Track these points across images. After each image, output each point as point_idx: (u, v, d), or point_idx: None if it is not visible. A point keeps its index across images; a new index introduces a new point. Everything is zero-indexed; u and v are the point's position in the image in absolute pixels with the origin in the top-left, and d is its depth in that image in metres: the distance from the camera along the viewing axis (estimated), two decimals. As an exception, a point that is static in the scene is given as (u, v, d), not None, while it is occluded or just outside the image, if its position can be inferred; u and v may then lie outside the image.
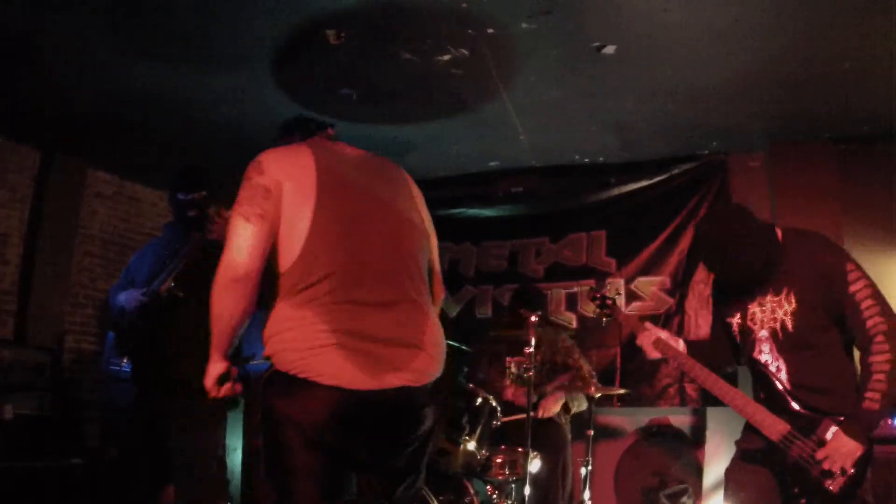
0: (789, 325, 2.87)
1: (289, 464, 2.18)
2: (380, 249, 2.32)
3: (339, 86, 4.94)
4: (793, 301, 2.86)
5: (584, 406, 4.97)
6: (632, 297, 5.95)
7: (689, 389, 5.58)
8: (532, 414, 4.30)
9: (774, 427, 2.82)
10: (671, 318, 5.75)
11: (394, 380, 2.22)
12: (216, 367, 2.38)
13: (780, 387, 2.87)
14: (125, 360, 3.77)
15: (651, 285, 5.88)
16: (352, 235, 2.28)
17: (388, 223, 2.37)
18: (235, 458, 5.65)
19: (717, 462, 5.37)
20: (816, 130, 5.36)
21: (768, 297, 2.94)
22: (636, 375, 5.74)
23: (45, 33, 4.40)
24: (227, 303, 2.24)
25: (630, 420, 5.88)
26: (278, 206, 2.25)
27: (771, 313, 2.92)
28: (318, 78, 4.88)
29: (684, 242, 5.84)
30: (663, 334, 3.21)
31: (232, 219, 2.25)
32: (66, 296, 6.44)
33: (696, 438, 5.61)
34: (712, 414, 5.52)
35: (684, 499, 5.34)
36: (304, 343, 2.17)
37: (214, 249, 3.57)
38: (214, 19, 4.19)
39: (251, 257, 2.21)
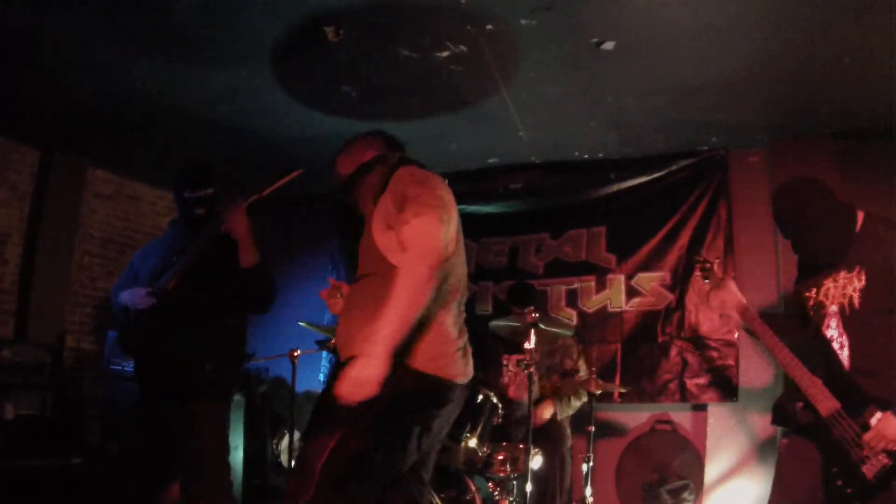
0: (856, 301, 2.93)
1: (407, 456, 2.46)
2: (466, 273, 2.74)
3: (338, 83, 4.94)
4: (863, 278, 2.93)
5: (570, 412, 4.97)
6: (632, 292, 5.95)
7: (690, 385, 5.58)
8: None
9: (826, 403, 2.87)
10: (671, 314, 5.75)
11: (470, 374, 2.64)
12: (384, 368, 2.32)
13: (838, 366, 2.91)
14: (128, 360, 3.75)
15: (651, 281, 5.88)
16: (464, 261, 2.71)
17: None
18: (237, 456, 5.65)
19: (717, 458, 5.38)
20: (817, 127, 5.35)
21: (842, 273, 3.00)
22: (637, 371, 5.75)
23: (45, 33, 4.40)
24: (430, 287, 2.39)
25: (631, 416, 5.87)
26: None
27: (842, 289, 2.98)
28: (317, 76, 4.87)
29: (684, 238, 5.84)
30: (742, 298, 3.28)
31: (425, 216, 2.43)
32: (67, 295, 6.45)
33: (697, 434, 5.61)
34: (713, 409, 5.53)
35: (685, 494, 5.35)
36: (450, 347, 2.52)
37: (222, 248, 3.59)
38: (213, 18, 4.18)
39: (445, 253, 2.46)
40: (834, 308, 2.99)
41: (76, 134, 5.98)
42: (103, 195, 6.87)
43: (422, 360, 2.43)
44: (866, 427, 2.75)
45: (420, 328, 2.42)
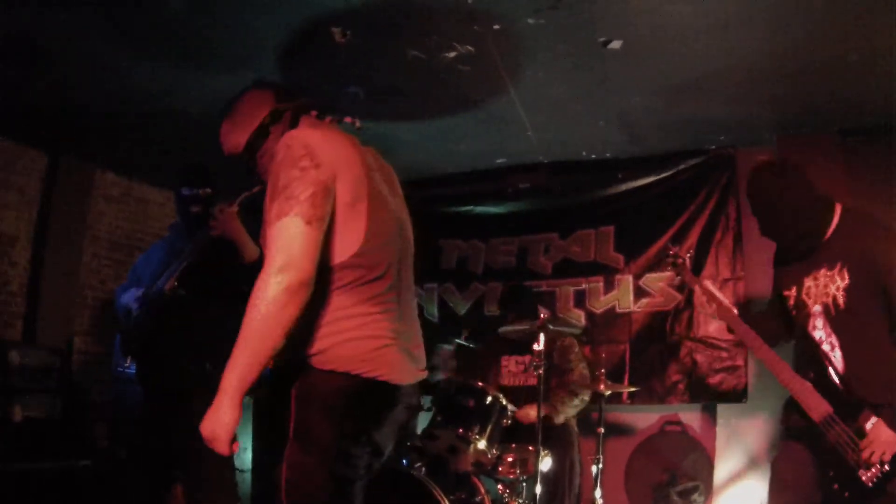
0: (841, 300, 2.86)
1: (345, 471, 2.07)
2: (406, 248, 2.30)
3: (345, 84, 4.93)
4: (846, 276, 2.86)
5: (571, 412, 4.87)
6: (640, 292, 5.92)
7: (699, 385, 5.55)
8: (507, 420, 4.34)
9: (818, 407, 2.81)
10: (680, 314, 5.72)
11: (418, 373, 2.25)
12: (234, 413, 1.96)
13: (831, 368, 2.85)
14: (128, 362, 3.76)
15: (660, 281, 5.85)
16: (393, 233, 2.22)
17: (404, 223, 2.33)
18: (245, 458, 5.65)
19: (727, 458, 5.36)
20: (824, 124, 5.33)
21: (822, 271, 2.93)
22: (645, 371, 5.73)
23: (48, 35, 4.40)
24: (286, 314, 1.91)
25: (640, 417, 5.85)
26: (333, 203, 2.05)
27: (824, 287, 2.91)
28: (323, 77, 4.87)
29: (693, 237, 5.81)
30: (719, 294, 3.27)
31: (287, 217, 1.96)
32: (75, 298, 6.46)
33: (707, 435, 5.59)
34: (722, 410, 5.50)
35: (695, 496, 5.33)
36: (372, 341, 2.08)
37: (219, 247, 3.59)
38: (218, 19, 4.18)
39: (313, 264, 1.96)
40: (818, 308, 2.92)
41: (82, 137, 5.99)
42: (111, 198, 6.88)
43: (341, 359, 2.04)
44: (861, 431, 2.70)
45: (337, 322, 2.06)
